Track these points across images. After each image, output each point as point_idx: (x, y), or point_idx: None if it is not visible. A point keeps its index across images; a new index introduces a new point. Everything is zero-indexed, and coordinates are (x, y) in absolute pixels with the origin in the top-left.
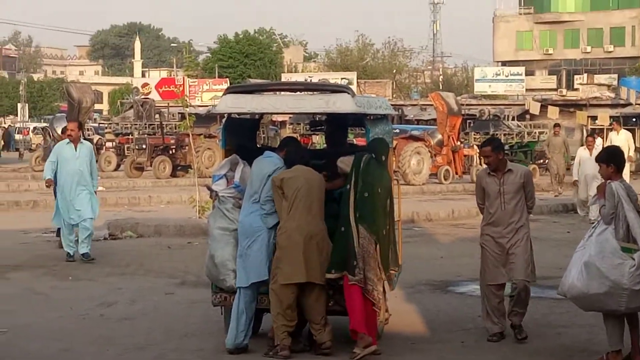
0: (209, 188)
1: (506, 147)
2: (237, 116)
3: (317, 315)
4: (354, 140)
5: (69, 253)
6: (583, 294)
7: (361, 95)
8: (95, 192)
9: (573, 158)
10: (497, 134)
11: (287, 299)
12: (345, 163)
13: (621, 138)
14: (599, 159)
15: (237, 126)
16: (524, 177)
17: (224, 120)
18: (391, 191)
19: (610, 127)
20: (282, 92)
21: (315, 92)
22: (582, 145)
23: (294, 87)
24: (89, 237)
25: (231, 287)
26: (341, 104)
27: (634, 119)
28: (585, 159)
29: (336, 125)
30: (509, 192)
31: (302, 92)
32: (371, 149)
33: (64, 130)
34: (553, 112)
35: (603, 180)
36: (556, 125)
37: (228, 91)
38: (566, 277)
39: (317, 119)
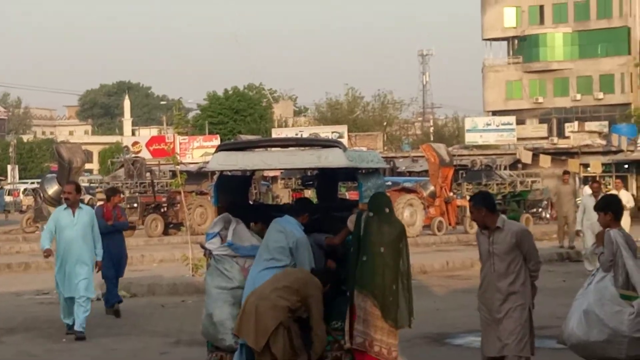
0: (203, 246)
1: (499, 197)
2: (229, 173)
3: None
4: (347, 194)
5: (67, 324)
6: (583, 342)
7: (352, 149)
8: (97, 264)
9: None
10: (489, 184)
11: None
12: (351, 222)
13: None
14: (596, 207)
15: (229, 183)
16: (516, 237)
17: (215, 177)
18: (402, 242)
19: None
20: (274, 148)
21: (306, 148)
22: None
23: (285, 143)
24: (83, 314)
25: (230, 346)
26: (333, 159)
27: (626, 166)
28: (591, 207)
29: (328, 179)
30: (499, 252)
31: (294, 148)
32: (373, 205)
33: (112, 193)
34: (545, 161)
35: (594, 242)
36: (565, 172)
37: (220, 149)
38: (566, 325)
39: (310, 173)
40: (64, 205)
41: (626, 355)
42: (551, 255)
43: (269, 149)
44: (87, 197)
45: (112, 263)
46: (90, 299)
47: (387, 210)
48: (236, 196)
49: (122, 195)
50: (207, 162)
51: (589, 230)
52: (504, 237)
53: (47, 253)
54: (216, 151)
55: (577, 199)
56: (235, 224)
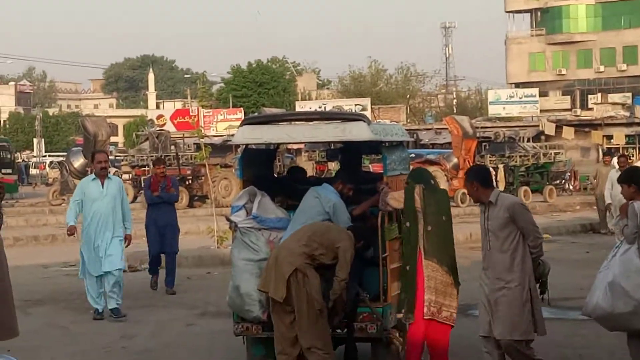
0: (228, 219)
1: (522, 169)
2: (253, 147)
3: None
4: (370, 166)
5: (97, 310)
6: (608, 314)
7: (377, 122)
8: (127, 237)
9: None
10: (512, 156)
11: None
12: (395, 199)
13: None
14: (620, 179)
15: (254, 157)
16: (509, 211)
17: (239, 150)
18: (450, 209)
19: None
20: (298, 122)
21: (331, 121)
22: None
23: (309, 117)
24: (120, 289)
25: (257, 317)
26: (357, 132)
27: None
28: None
29: (352, 152)
30: (493, 229)
31: (318, 121)
32: (421, 178)
33: (156, 163)
34: (568, 133)
35: (618, 214)
36: (606, 154)
37: (244, 122)
38: (590, 298)
39: (334, 147)
40: (92, 176)
41: None
42: (574, 227)
43: (293, 122)
44: (112, 170)
45: (158, 237)
46: (122, 270)
47: (432, 182)
48: (261, 170)
49: (164, 166)
50: (232, 135)
51: (617, 208)
52: (497, 212)
53: (71, 231)
54: (241, 125)
55: None
56: (261, 196)
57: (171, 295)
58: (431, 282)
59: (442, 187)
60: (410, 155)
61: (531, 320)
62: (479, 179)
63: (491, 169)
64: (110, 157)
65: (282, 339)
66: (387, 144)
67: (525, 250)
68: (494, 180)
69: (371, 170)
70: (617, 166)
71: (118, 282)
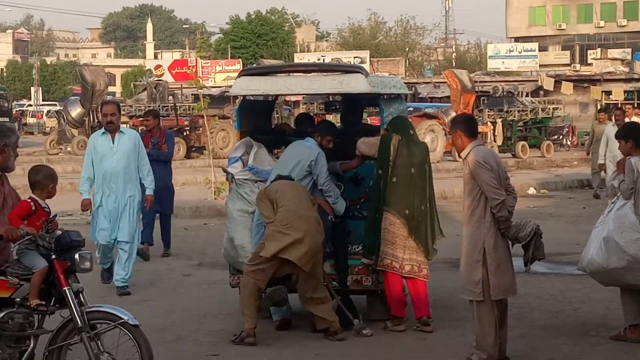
0: (225, 170)
1: (520, 123)
2: (251, 98)
3: (312, 292)
4: (368, 119)
5: (105, 270)
6: (602, 269)
7: (375, 74)
8: (147, 198)
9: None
10: (511, 111)
11: (265, 277)
12: (366, 144)
13: None
14: (617, 135)
15: (252, 108)
16: (469, 167)
17: (237, 101)
18: (427, 163)
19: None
20: (296, 74)
21: (329, 73)
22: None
23: (308, 69)
24: (129, 263)
25: None
26: (355, 84)
27: None
28: (613, 137)
29: (350, 105)
30: (464, 182)
31: (316, 73)
32: (399, 127)
33: (146, 115)
34: (567, 88)
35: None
36: (601, 110)
37: (242, 73)
38: (585, 253)
39: (332, 99)
40: (102, 130)
41: None
42: (572, 182)
43: (291, 74)
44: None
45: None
46: (130, 243)
47: (411, 131)
48: (259, 121)
49: (151, 118)
50: (230, 87)
51: (612, 163)
52: (466, 166)
53: (86, 206)
54: (239, 76)
55: None
56: (257, 148)
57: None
58: (387, 235)
59: (440, 141)
60: (409, 109)
61: (480, 281)
62: (462, 127)
63: (489, 124)
64: None
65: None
66: (385, 96)
67: (486, 210)
68: (477, 131)
69: (369, 123)
70: (613, 121)
71: (126, 254)
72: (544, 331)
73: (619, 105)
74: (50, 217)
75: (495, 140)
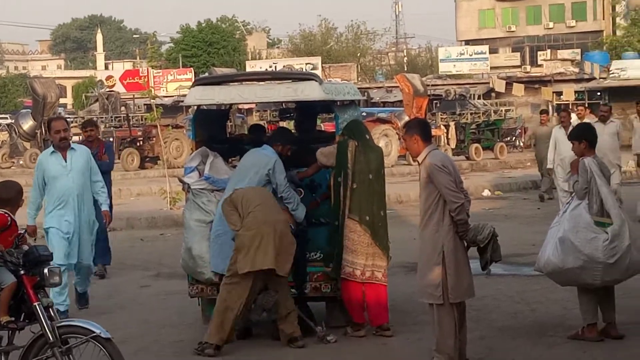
0: (181, 180)
1: (473, 126)
2: (205, 108)
3: (282, 307)
4: (322, 125)
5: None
6: (559, 269)
7: (329, 81)
8: (105, 214)
9: None
10: (463, 114)
11: (238, 294)
12: (325, 155)
13: None
14: (571, 136)
15: (207, 117)
16: (427, 171)
17: (190, 110)
18: (383, 168)
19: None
20: (250, 82)
21: (283, 81)
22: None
23: (261, 77)
24: (88, 281)
25: (209, 279)
26: (309, 92)
27: (598, 93)
28: (562, 140)
29: (304, 112)
30: (420, 189)
31: (270, 81)
32: (355, 132)
33: (84, 126)
34: (518, 90)
35: (568, 171)
36: (543, 112)
37: (196, 83)
38: (542, 253)
39: (285, 106)
40: (50, 149)
41: (601, 280)
42: (525, 183)
43: (245, 82)
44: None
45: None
46: (93, 266)
47: (367, 136)
48: (213, 130)
49: (94, 129)
50: (183, 96)
51: (559, 167)
52: (422, 170)
53: (32, 230)
54: (192, 86)
55: None
56: (213, 157)
57: (125, 258)
58: (348, 242)
59: (394, 145)
60: (362, 114)
61: (440, 284)
62: (418, 132)
63: (443, 127)
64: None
65: (231, 313)
66: (339, 103)
67: (444, 213)
68: (432, 135)
69: (323, 129)
70: (559, 123)
71: (87, 276)
72: (503, 332)
73: (563, 107)
74: (21, 232)
75: (448, 144)
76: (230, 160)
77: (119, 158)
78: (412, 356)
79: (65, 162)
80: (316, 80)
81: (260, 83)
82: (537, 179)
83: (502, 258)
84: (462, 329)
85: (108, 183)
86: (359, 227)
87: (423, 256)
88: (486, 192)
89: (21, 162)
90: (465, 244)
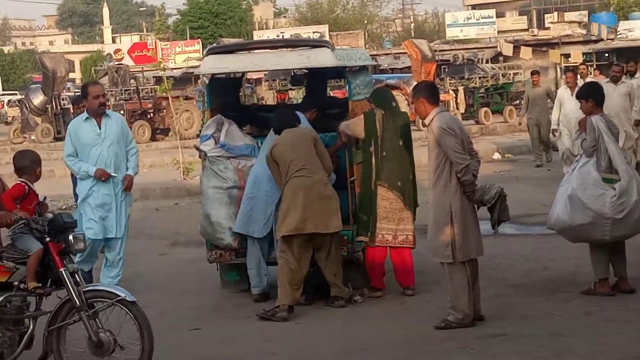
0: (198, 148)
1: (482, 90)
2: (220, 76)
3: (329, 271)
4: (330, 92)
5: (87, 272)
6: (569, 226)
7: (340, 48)
8: (126, 178)
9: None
10: (472, 78)
11: (290, 257)
12: (350, 128)
13: None
14: (578, 94)
15: (221, 86)
16: (434, 133)
17: (200, 82)
18: (409, 133)
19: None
20: (263, 50)
21: (295, 48)
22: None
23: (274, 45)
24: (121, 262)
25: (229, 244)
26: (322, 59)
27: (606, 54)
28: (567, 100)
29: (316, 79)
30: (429, 151)
31: (283, 49)
32: (381, 100)
33: (76, 101)
34: (526, 53)
35: (577, 129)
36: (534, 72)
37: (209, 52)
38: (552, 211)
39: (294, 73)
40: (84, 115)
41: (610, 235)
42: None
43: (257, 51)
44: (72, 106)
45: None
46: (126, 240)
47: (394, 104)
48: (228, 98)
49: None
50: (192, 68)
51: (565, 128)
52: (429, 132)
53: (101, 173)
54: (206, 55)
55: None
56: (228, 125)
57: (142, 227)
58: (380, 210)
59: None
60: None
61: (449, 244)
62: (424, 95)
63: (451, 92)
64: (69, 94)
65: (294, 273)
66: (351, 69)
67: (451, 174)
68: (439, 98)
69: (334, 96)
70: (564, 84)
71: (120, 256)
72: (516, 290)
73: (571, 68)
74: (41, 200)
75: (457, 108)
76: (243, 127)
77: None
78: (429, 314)
79: (100, 129)
80: (328, 47)
81: (273, 51)
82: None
83: (510, 218)
84: (475, 286)
85: None
86: (391, 194)
87: (432, 216)
88: (496, 155)
89: (33, 137)
90: (474, 205)
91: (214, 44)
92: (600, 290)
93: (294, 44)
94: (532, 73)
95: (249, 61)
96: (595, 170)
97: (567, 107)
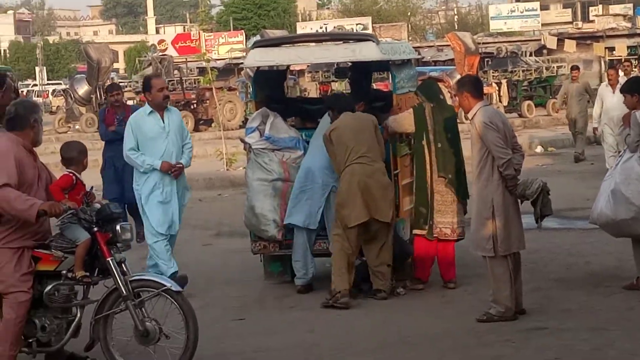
0: (243, 141)
1: (525, 83)
2: (265, 69)
3: (381, 261)
4: (373, 85)
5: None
6: (612, 221)
7: (385, 41)
8: (182, 166)
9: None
10: (515, 71)
11: (347, 247)
12: (397, 122)
13: None
14: (623, 89)
15: (266, 79)
16: (477, 127)
17: (243, 73)
18: (457, 126)
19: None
20: (308, 44)
21: (340, 42)
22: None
23: (319, 38)
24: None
25: (273, 236)
26: (367, 52)
27: None
28: (608, 97)
29: (360, 72)
30: (472, 145)
31: (328, 43)
32: (430, 94)
33: (109, 89)
34: (570, 46)
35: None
36: (574, 68)
37: (255, 45)
38: (595, 206)
39: (338, 66)
40: (147, 109)
41: None
42: None
43: (302, 44)
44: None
45: (115, 182)
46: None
47: (441, 97)
48: (272, 91)
49: (120, 92)
50: (235, 59)
51: (607, 125)
52: (473, 127)
53: (167, 166)
54: (252, 48)
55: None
56: (273, 117)
57: (185, 218)
58: (435, 203)
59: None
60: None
61: (490, 237)
62: (468, 89)
63: (494, 85)
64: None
65: (349, 259)
66: (395, 62)
67: (493, 168)
68: (483, 92)
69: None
70: (606, 80)
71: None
72: (558, 284)
73: (610, 65)
74: (88, 190)
75: (500, 101)
76: (288, 120)
77: None
78: (471, 307)
79: (163, 122)
80: (373, 41)
81: (319, 44)
82: (591, 135)
83: (553, 212)
84: (517, 280)
85: None
86: (443, 187)
87: (475, 210)
88: (539, 149)
89: (77, 126)
90: (517, 199)
91: (258, 35)
92: None
93: (339, 37)
94: (572, 68)
95: (294, 54)
96: (638, 166)
97: (608, 103)
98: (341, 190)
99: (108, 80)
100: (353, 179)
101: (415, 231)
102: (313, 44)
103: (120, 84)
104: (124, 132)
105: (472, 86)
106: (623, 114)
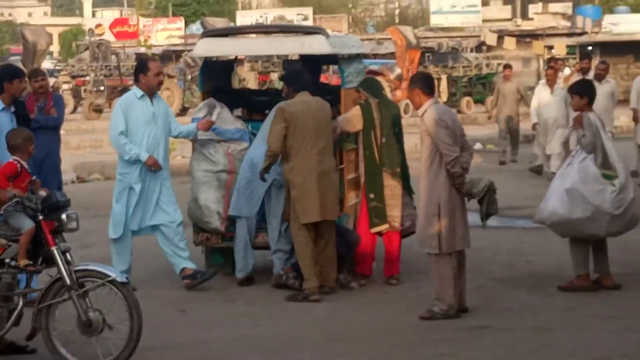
0: None
1: (465, 79)
2: (213, 59)
3: (328, 257)
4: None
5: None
6: (565, 220)
7: (334, 35)
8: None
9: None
10: (455, 67)
11: (309, 239)
12: (345, 122)
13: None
14: (571, 89)
15: (213, 69)
16: (426, 124)
17: (181, 61)
18: (400, 122)
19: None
20: (257, 35)
21: (289, 34)
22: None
23: (268, 30)
24: (186, 243)
25: (216, 228)
26: (316, 46)
27: (590, 48)
28: (546, 99)
29: (310, 65)
30: (421, 141)
31: (277, 35)
32: (373, 90)
33: (33, 75)
34: (509, 43)
35: (570, 125)
36: (506, 66)
37: (205, 35)
38: (545, 205)
39: (286, 58)
40: (138, 92)
41: (605, 231)
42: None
43: (251, 35)
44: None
45: (34, 173)
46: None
47: (384, 92)
48: (220, 81)
49: (45, 78)
50: (173, 45)
51: (541, 127)
52: (422, 123)
53: (152, 162)
54: (201, 37)
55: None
56: (220, 108)
57: None
58: (387, 196)
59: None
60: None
61: (435, 235)
62: (420, 85)
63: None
64: (49, 67)
65: (313, 257)
66: (344, 56)
67: (441, 166)
68: (435, 89)
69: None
70: (543, 80)
71: (180, 236)
72: (500, 283)
73: (551, 64)
74: (32, 178)
75: (440, 97)
76: (234, 111)
77: (110, 107)
78: (413, 304)
79: (153, 106)
80: (323, 34)
81: (268, 36)
82: (530, 134)
83: (498, 211)
84: (461, 278)
85: (57, 140)
86: (394, 181)
87: (422, 207)
88: (478, 146)
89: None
90: (463, 197)
91: (197, 23)
92: (578, 284)
93: (289, 29)
94: (505, 67)
95: (243, 45)
96: (594, 166)
97: (543, 108)
98: (296, 183)
99: (46, 64)
100: (310, 175)
101: (376, 228)
102: (263, 35)
103: (57, 67)
104: (56, 119)
105: (424, 83)
106: (574, 116)
